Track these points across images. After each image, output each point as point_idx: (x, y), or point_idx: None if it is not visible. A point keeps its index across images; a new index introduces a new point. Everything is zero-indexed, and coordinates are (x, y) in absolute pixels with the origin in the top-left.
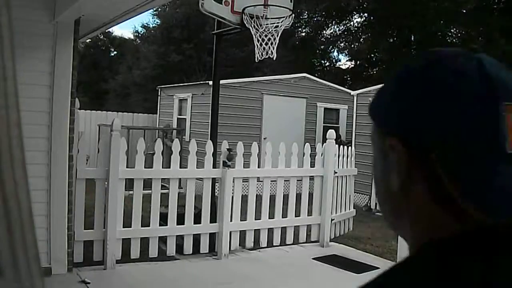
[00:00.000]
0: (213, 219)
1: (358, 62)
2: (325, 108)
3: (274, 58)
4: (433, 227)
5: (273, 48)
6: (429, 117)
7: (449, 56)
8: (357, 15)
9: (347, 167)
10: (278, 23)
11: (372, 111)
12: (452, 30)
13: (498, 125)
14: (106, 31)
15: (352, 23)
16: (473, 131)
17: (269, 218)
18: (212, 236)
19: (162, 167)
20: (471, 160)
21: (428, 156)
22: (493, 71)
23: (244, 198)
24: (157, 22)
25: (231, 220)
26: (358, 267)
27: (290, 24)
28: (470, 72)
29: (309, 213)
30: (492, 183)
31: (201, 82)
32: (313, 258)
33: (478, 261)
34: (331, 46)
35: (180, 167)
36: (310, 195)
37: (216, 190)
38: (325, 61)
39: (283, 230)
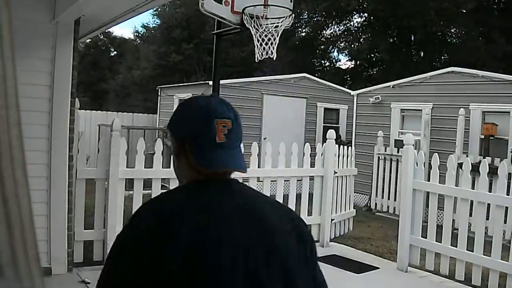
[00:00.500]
0: None
1: (358, 62)
2: (325, 108)
3: (274, 58)
4: (191, 178)
5: (273, 48)
6: (183, 126)
7: (196, 98)
8: (357, 15)
9: (347, 167)
10: (278, 23)
11: (168, 125)
12: (452, 30)
13: (212, 129)
14: (106, 31)
15: (352, 23)
16: (201, 132)
17: None
18: None
19: (162, 167)
20: (199, 146)
21: (184, 145)
22: (213, 104)
23: None
24: (157, 22)
25: None
26: (358, 267)
27: (290, 24)
28: (202, 105)
29: (309, 213)
30: (209, 156)
31: (201, 82)
32: None
33: (204, 190)
34: (331, 46)
35: None
36: (310, 195)
37: None
38: (325, 61)
39: None
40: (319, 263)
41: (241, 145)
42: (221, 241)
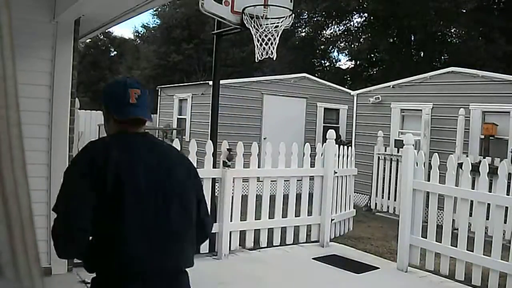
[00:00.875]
0: (213, 219)
1: (358, 62)
2: (325, 108)
3: (274, 58)
4: (116, 130)
5: (273, 48)
6: (109, 95)
7: (116, 78)
8: (357, 15)
9: (347, 167)
10: (278, 23)
11: (101, 99)
12: (452, 30)
13: (127, 94)
14: (106, 31)
15: (352, 23)
16: (120, 97)
17: (269, 218)
18: (212, 236)
19: None
20: (119, 106)
21: (109, 111)
22: (128, 80)
23: (244, 198)
24: (157, 22)
25: (231, 220)
26: (358, 267)
27: (290, 24)
28: (121, 81)
29: (309, 213)
30: (125, 110)
31: (201, 82)
32: (313, 258)
33: (124, 136)
34: (331, 46)
35: None
36: (310, 195)
37: (216, 190)
38: (325, 61)
39: (283, 230)
40: (318, 262)
41: (147, 108)
42: (135, 163)
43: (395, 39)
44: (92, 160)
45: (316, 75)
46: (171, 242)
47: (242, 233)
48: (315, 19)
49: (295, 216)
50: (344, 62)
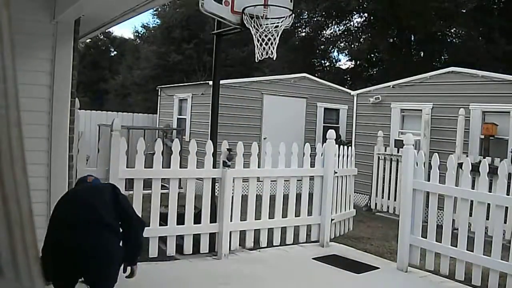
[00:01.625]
0: (213, 219)
1: (358, 62)
2: (325, 108)
3: (274, 58)
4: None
5: (273, 48)
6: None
7: (82, 177)
8: (357, 15)
9: (347, 167)
10: (278, 23)
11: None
12: (452, 30)
13: (87, 178)
14: (106, 31)
15: (352, 23)
16: (84, 179)
17: (269, 218)
18: (212, 236)
19: (162, 167)
20: (83, 180)
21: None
22: (88, 176)
23: (244, 198)
24: (157, 22)
25: (231, 220)
26: (358, 267)
27: (290, 24)
28: (85, 175)
29: (309, 213)
30: (84, 179)
31: (201, 82)
32: (313, 258)
33: (83, 186)
34: (331, 46)
35: (180, 167)
36: (310, 195)
37: (216, 190)
38: (325, 61)
39: (283, 230)
40: (318, 262)
41: (97, 180)
42: (79, 198)
43: (395, 39)
44: (58, 204)
45: (316, 75)
46: (93, 227)
47: (242, 233)
48: (315, 19)
49: (295, 216)
50: (344, 62)
